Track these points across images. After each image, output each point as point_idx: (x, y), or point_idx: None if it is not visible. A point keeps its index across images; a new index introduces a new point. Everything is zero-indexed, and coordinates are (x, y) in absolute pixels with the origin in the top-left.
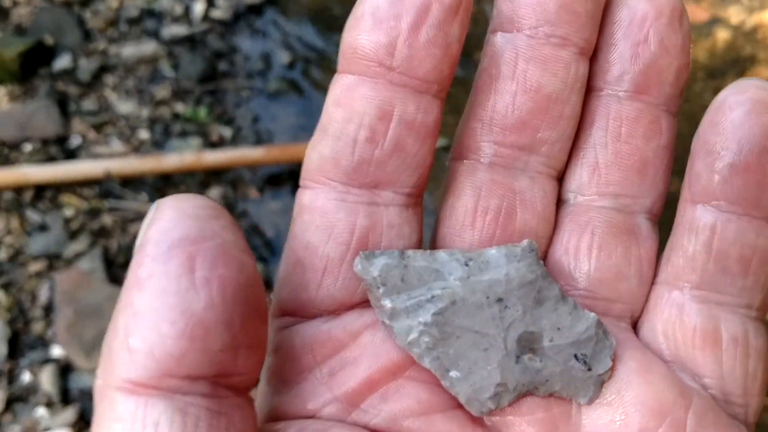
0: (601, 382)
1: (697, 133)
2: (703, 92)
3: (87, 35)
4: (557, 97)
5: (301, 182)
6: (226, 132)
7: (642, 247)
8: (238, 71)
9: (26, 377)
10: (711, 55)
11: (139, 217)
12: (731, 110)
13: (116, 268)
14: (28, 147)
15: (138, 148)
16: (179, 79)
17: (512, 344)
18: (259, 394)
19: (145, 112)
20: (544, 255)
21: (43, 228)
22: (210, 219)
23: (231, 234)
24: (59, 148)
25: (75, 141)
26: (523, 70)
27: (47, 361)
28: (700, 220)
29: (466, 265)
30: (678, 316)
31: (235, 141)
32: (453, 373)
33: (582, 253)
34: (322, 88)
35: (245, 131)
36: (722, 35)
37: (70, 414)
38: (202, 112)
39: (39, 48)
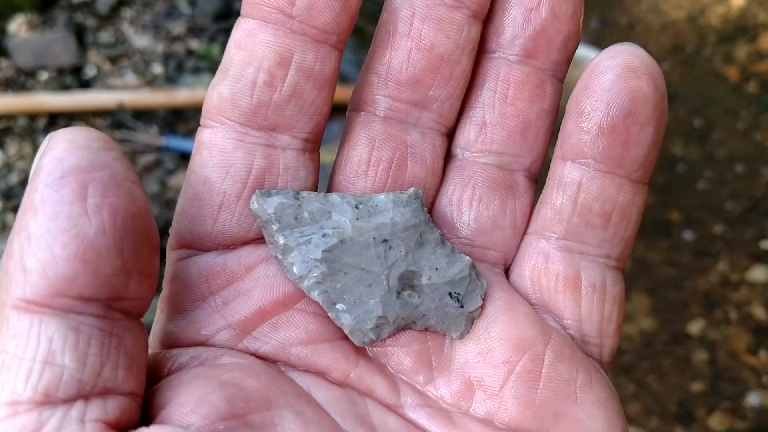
0: (471, 319)
1: (571, 95)
2: (713, 57)
3: None
4: (449, 57)
5: (202, 121)
6: None
7: (518, 201)
8: None
9: None
10: (724, 21)
11: (149, 149)
12: (602, 74)
13: None
14: (44, 75)
15: (151, 82)
16: (195, 16)
17: (394, 281)
18: (155, 322)
19: (160, 47)
20: (430, 205)
21: None
22: (101, 150)
23: (121, 165)
24: (74, 78)
25: (90, 72)
26: (418, 28)
27: None
28: (568, 176)
29: (357, 208)
30: (544, 263)
31: None
32: (339, 306)
33: (464, 205)
34: None
35: None
36: (737, 1)
37: None
38: (216, 50)
39: None
